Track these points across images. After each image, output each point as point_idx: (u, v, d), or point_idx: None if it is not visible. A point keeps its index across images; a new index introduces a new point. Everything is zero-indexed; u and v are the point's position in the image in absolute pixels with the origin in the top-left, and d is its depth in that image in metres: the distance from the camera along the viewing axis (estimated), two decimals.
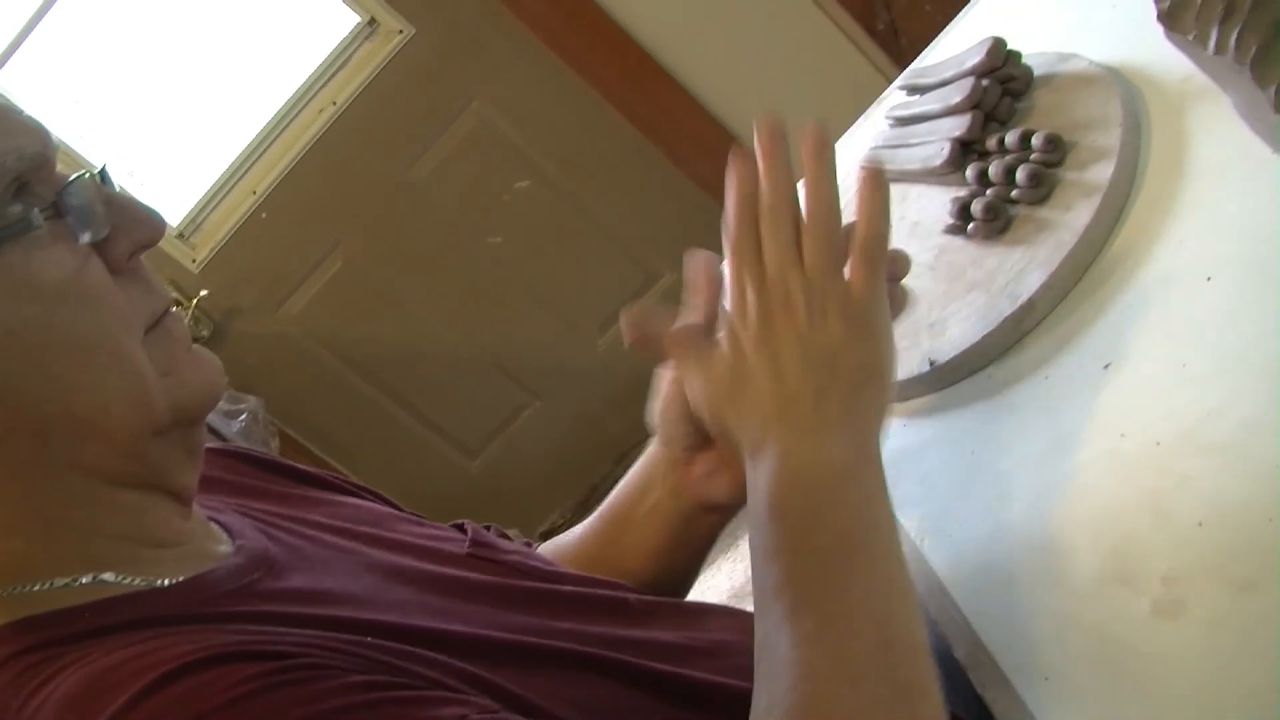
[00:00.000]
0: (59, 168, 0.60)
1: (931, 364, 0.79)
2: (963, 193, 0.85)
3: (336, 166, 2.63)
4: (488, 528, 0.88)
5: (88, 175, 0.59)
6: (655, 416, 0.77)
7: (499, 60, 2.57)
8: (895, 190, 0.94)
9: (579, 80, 2.54)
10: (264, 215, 2.66)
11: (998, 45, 0.88)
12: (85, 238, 0.57)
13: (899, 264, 0.71)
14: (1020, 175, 0.80)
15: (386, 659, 0.55)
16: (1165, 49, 0.73)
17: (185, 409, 0.61)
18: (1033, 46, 0.90)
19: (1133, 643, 0.57)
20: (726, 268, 0.67)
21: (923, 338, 0.81)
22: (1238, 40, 0.65)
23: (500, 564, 0.73)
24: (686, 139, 2.60)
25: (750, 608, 0.60)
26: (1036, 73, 0.88)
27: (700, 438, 0.75)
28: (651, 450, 0.81)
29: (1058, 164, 0.80)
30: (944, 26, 1.12)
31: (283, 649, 0.52)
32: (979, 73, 0.88)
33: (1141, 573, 0.58)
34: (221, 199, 2.69)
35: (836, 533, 0.57)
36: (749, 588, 0.60)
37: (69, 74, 2.57)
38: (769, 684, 0.53)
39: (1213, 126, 0.74)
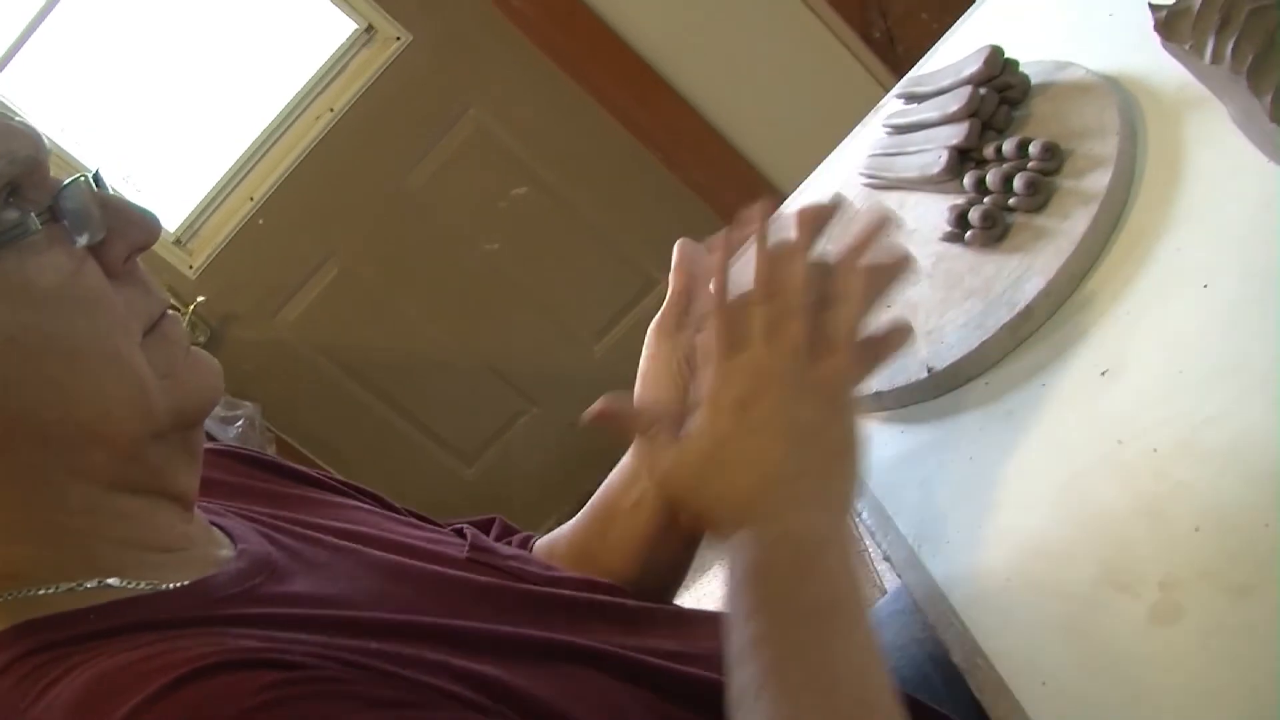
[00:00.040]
0: (53, 173, 0.59)
1: (929, 371, 0.79)
2: (960, 200, 0.85)
3: (333, 173, 2.63)
4: (491, 520, 0.89)
5: (82, 179, 0.59)
6: (637, 399, 0.78)
7: (496, 67, 2.57)
8: (893, 198, 0.95)
9: (575, 87, 2.54)
10: (261, 221, 2.66)
11: (995, 54, 0.89)
12: (82, 241, 0.57)
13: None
14: (1017, 183, 0.80)
15: (392, 668, 0.55)
16: (1162, 58, 0.73)
17: (185, 411, 0.61)
18: (1030, 55, 0.91)
19: (1130, 648, 0.57)
20: (708, 341, 0.67)
21: (921, 345, 0.81)
22: (1234, 50, 0.66)
23: (499, 569, 0.73)
24: (683, 146, 2.60)
25: None
26: (1034, 81, 0.89)
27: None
28: (637, 442, 0.82)
29: (1055, 172, 0.81)
30: (940, 35, 1.13)
31: (293, 659, 0.52)
32: (976, 81, 0.89)
33: (1139, 578, 0.59)
34: (218, 205, 2.69)
35: (815, 595, 0.58)
36: None
37: (65, 80, 2.57)
38: None
39: (1209, 135, 0.74)
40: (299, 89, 2.61)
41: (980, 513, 0.71)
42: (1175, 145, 0.76)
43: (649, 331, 0.84)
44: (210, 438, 0.75)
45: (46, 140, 0.60)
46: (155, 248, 0.63)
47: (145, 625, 0.55)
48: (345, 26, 2.58)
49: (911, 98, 0.99)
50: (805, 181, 1.19)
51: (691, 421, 0.65)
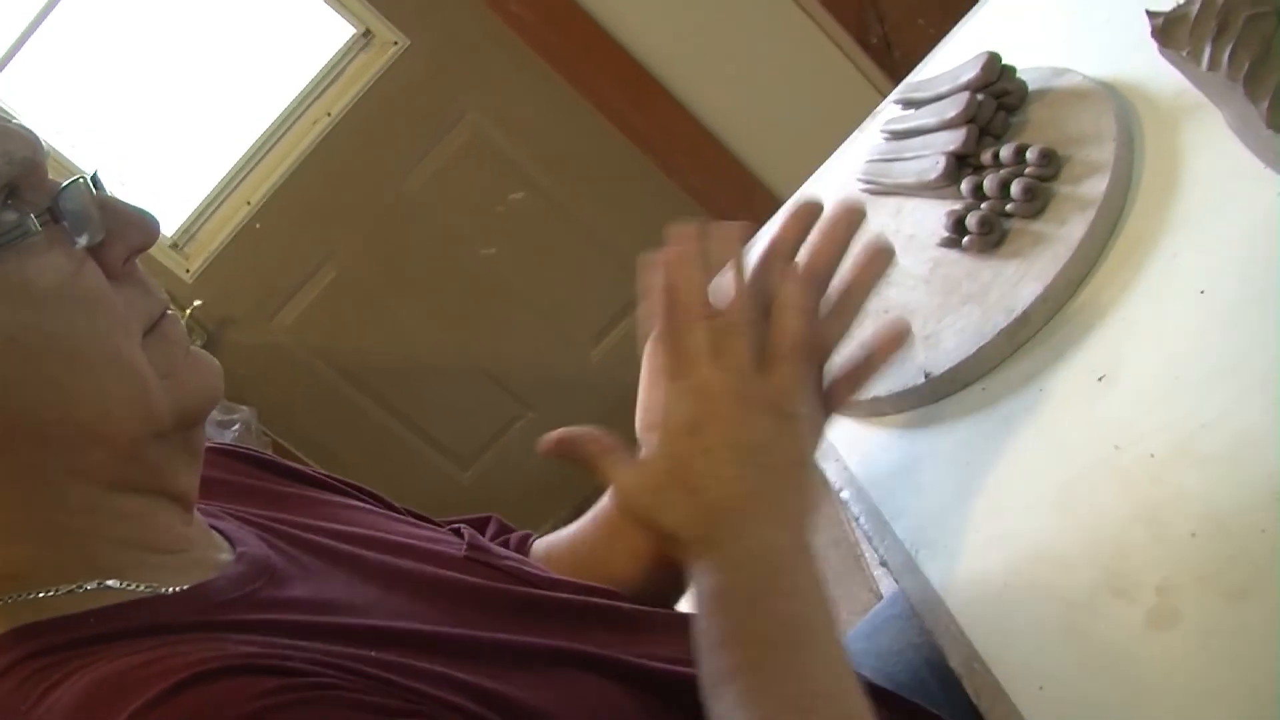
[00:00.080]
0: (50, 175, 0.60)
1: (927, 376, 0.79)
2: (958, 206, 0.85)
3: (331, 177, 2.63)
4: (487, 519, 0.88)
5: (81, 180, 0.59)
6: (639, 427, 0.78)
7: (493, 72, 2.58)
8: (891, 203, 0.95)
9: (573, 92, 2.55)
10: (258, 226, 2.66)
11: (993, 60, 0.89)
12: (82, 242, 0.57)
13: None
14: (1015, 189, 0.81)
15: (391, 676, 0.55)
16: (1159, 65, 0.74)
17: (185, 411, 0.61)
18: (1027, 61, 0.91)
19: (1127, 652, 0.57)
20: (652, 366, 0.67)
21: (918, 350, 0.81)
22: (1230, 56, 0.66)
23: (497, 569, 0.73)
24: (680, 151, 2.61)
25: None
26: (1031, 87, 0.89)
27: None
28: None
29: (1052, 178, 0.81)
30: (937, 41, 1.13)
31: (293, 665, 0.52)
32: (974, 87, 0.89)
33: (1136, 583, 0.59)
34: (216, 209, 2.69)
35: (781, 618, 0.59)
36: None
37: (62, 82, 2.57)
38: None
39: (1206, 141, 0.75)
40: (296, 93, 2.62)
41: (977, 518, 0.71)
42: (1172, 151, 0.76)
43: (650, 340, 0.85)
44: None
45: (44, 143, 0.60)
46: (152, 251, 0.63)
47: (145, 630, 0.55)
48: (343, 31, 2.58)
49: (909, 103, 0.99)
50: (802, 187, 1.19)
51: (646, 446, 0.65)
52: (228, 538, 0.66)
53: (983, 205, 0.83)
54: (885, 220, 0.94)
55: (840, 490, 0.84)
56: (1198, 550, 0.57)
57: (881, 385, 0.82)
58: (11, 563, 0.58)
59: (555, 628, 0.67)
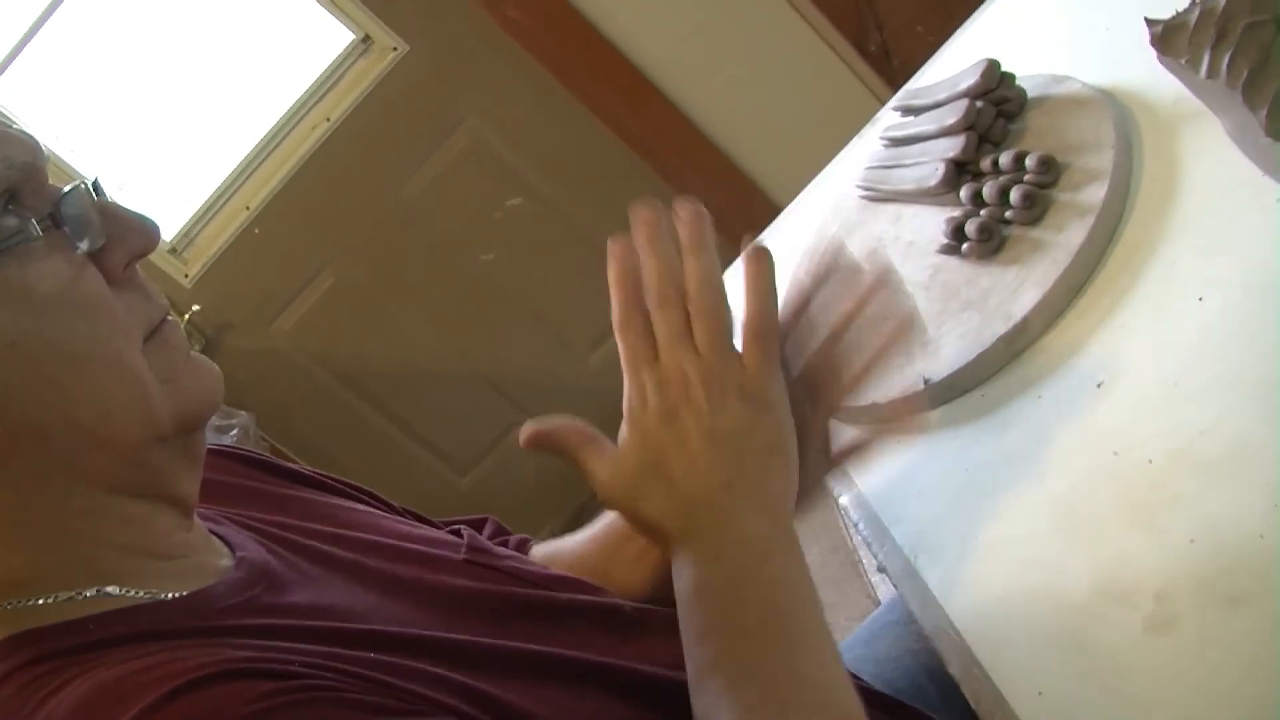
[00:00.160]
0: (49, 180, 0.60)
1: (926, 382, 0.79)
2: (957, 213, 0.85)
3: (330, 183, 2.63)
4: (484, 520, 0.88)
5: (82, 186, 0.59)
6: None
7: (492, 78, 2.58)
8: (890, 210, 0.95)
9: (571, 98, 2.55)
10: (257, 231, 2.66)
11: (992, 67, 0.89)
12: (82, 247, 0.57)
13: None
14: (1014, 196, 0.81)
15: (389, 678, 0.55)
16: (1158, 72, 0.74)
17: (186, 416, 0.61)
18: (1026, 68, 0.91)
19: (1126, 658, 0.57)
20: (621, 356, 0.67)
21: (917, 356, 0.81)
22: (1229, 64, 0.66)
23: (497, 570, 0.73)
24: (678, 156, 2.61)
25: None
26: (1030, 94, 0.89)
27: None
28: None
29: (1051, 185, 0.81)
30: (936, 48, 1.13)
31: (291, 669, 0.52)
32: (973, 94, 0.89)
33: (1134, 589, 0.59)
34: (214, 214, 2.69)
35: (763, 607, 0.58)
36: None
37: (60, 87, 2.57)
38: None
39: (1204, 149, 0.75)
40: (296, 99, 2.62)
41: (976, 524, 0.71)
42: (1171, 159, 0.77)
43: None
44: None
45: (44, 147, 0.60)
46: (151, 256, 0.63)
47: (145, 636, 0.55)
48: (342, 36, 2.59)
49: (908, 110, 0.99)
50: (801, 194, 1.19)
51: (621, 436, 0.65)
52: (227, 543, 0.66)
53: (982, 212, 0.83)
54: (884, 227, 0.94)
55: (839, 496, 0.84)
56: (1196, 557, 0.57)
57: (880, 391, 0.82)
58: (12, 569, 0.58)
59: (555, 632, 0.66)
